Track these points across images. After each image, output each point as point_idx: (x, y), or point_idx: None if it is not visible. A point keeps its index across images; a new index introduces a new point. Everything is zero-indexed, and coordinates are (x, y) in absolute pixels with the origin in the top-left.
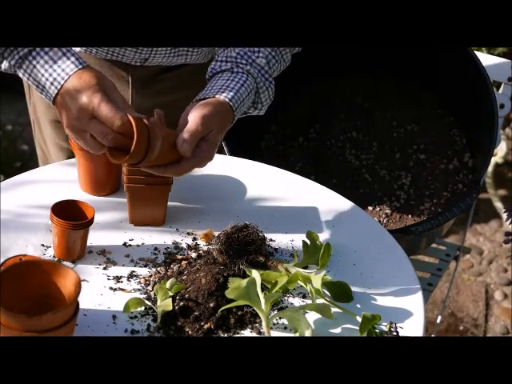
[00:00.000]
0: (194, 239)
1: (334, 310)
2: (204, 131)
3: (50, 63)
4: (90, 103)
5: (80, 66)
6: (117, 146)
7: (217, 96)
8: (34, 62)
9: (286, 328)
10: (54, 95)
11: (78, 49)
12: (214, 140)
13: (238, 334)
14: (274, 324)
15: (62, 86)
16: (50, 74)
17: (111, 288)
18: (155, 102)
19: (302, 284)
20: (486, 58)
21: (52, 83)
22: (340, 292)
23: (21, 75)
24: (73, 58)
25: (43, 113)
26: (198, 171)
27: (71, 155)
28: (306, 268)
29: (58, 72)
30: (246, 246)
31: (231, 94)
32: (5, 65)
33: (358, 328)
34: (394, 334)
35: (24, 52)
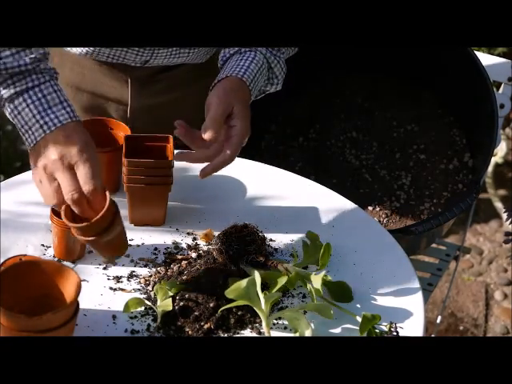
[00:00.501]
0: (194, 239)
1: (334, 309)
2: (225, 110)
3: (45, 106)
4: (76, 155)
5: (74, 119)
6: (73, 209)
7: (228, 75)
8: (29, 101)
9: (285, 328)
10: (38, 139)
11: (78, 51)
12: (241, 113)
13: (238, 334)
14: (273, 324)
15: (51, 131)
16: (42, 117)
17: (111, 288)
18: (154, 101)
19: (302, 284)
20: (486, 58)
21: (41, 126)
22: (340, 292)
23: (7, 112)
24: (68, 109)
25: None
26: (196, 171)
27: None
28: (306, 268)
29: (51, 117)
30: (245, 246)
31: (242, 70)
32: None
33: (358, 328)
34: (394, 333)
35: (21, 88)
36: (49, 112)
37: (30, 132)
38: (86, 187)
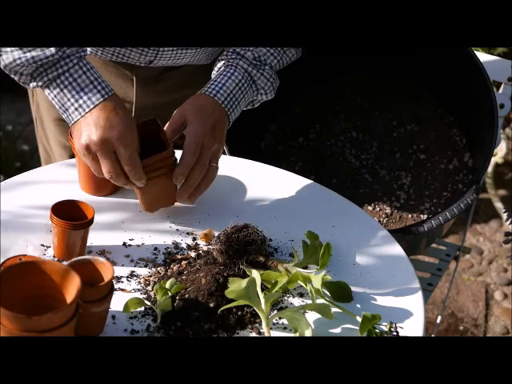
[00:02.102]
0: (194, 239)
1: (334, 309)
2: (178, 124)
3: (78, 89)
4: (116, 141)
5: (106, 96)
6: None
7: (202, 92)
8: (62, 86)
9: (285, 328)
10: (76, 119)
11: None
12: (194, 120)
13: (238, 334)
14: (273, 324)
15: (86, 112)
16: (76, 100)
17: None
18: (159, 100)
19: (302, 284)
20: (485, 58)
21: (77, 109)
22: (340, 292)
23: (46, 94)
24: (99, 87)
25: (47, 111)
26: None
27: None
28: (305, 268)
29: (85, 99)
30: (245, 246)
31: (216, 88)
32: (33, 84)
33: (358, 328)
34: (394, 334)
35: (53, 75)
36: (82, 94)
37: (68, 113)
38: (127, 168)
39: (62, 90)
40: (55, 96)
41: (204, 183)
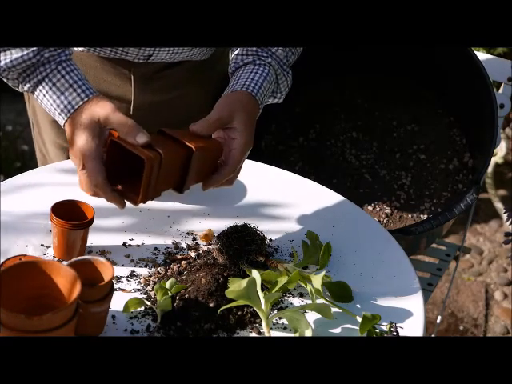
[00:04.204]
0: (194, 239)
1: (334, 309)
2: (221, 118)
3: (58, 94)
4: (81, 158)
5: (86, 99)
6: None
7: (243, 89)
8: (44, 92)
9: (285, 328)
10: (63, 122)
11: (81, 48)
12: (243, 127)
13: (238, 334)
14: (273, 324)
15: (68, 116)
16: (58, 105)
17: None
18: (157, 98)
19: (302, 284)
20: (485, 58)
21: (60, 114)
22: (340, 292)
23: (35, 98)
24: (79, 90)
25: (43, 113)
26: None
27: None
28: (305, 268)
29: (65, 104)
30: (245, 246)
31: (256, 87)
32: (21, 88)
33: (357, 328)
34: (394, 334)
35: (34, 81)
36: (62, 98)
37: (55, 116)
38: (89, 192)
39: (44, 96)
40: (41, 101)
41: (229, 181)
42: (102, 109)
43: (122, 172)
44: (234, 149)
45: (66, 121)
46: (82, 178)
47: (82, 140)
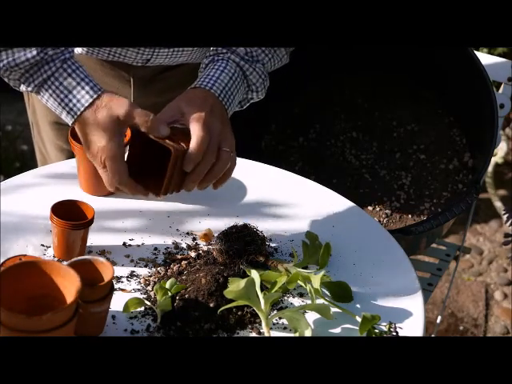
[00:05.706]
0: (194, 239)
1: (334, 309)
2: (173, 118)
3: (66, 93)
4: (102, 151)
5: (95, 95)
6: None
7: (197, 86)
8: (51, 91)
9: (285, 328)
10: (71, 122)
11: (79, 50)
12: (195, 118)
13: (238, 334)
14: (273, 324)
15: (78, 116)
16: (66, 104)
17: None
18: (156, 100)
19: (302, 284)
20: (486, 58)
21: (69, 112)
22: (340, 292)
23: (39, 98)
24: (87, 88)
25: (43, 115)
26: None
27: (71, 156)
28: (305, 268)
29: (74, 102)
30: (245, 246)
31: (211, 81)
32: (23, 88)
33: (357, 328)
34: (394, 334)
35: (39, 80)
36: (70, 97)
37: (63, 115)
38: (112, 189)
39: (51, 95)
40: (47, 101)
41: (217, 168)
42: (120, 106)
43: (142, 165)
44: (190, 123)
45: (76, 120)
46: (103, 176)
47: (102, 140)
